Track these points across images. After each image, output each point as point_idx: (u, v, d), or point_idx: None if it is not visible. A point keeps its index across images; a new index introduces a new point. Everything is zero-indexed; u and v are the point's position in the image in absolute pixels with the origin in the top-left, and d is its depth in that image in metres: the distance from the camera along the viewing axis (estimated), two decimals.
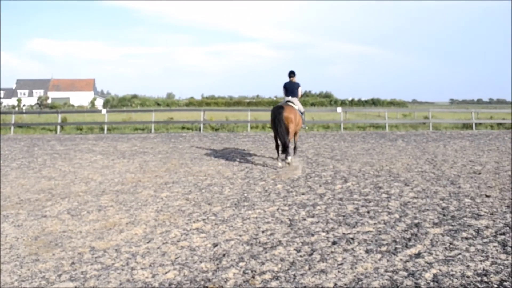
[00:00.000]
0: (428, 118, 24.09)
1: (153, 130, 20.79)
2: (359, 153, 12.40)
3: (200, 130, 20.89)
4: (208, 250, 4.58)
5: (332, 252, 4.48)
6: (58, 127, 21.07)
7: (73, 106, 70.03)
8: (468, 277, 3.88)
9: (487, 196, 6.97)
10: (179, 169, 9.50)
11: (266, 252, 4.48)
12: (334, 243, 4.75)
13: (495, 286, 3.70)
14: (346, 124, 22.79)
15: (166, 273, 3.99)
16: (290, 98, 10.28)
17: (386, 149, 13.47)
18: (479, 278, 3.85)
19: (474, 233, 5.08)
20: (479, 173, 9.02)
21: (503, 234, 5.06)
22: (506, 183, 8.00)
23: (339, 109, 23.44)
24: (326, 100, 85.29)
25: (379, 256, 4.36)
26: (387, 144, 15.06)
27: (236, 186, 7.71)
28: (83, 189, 7.53)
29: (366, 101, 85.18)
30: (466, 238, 4.90)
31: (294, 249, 4.57)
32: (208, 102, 78.72)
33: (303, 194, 7.09)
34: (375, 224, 5.42)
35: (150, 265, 4.17)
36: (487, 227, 5.33)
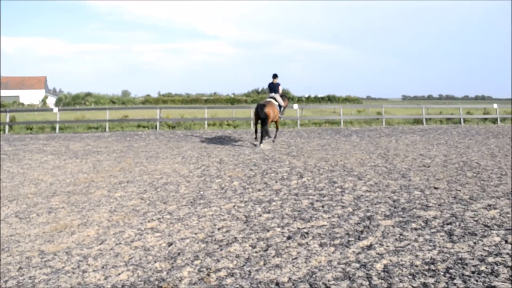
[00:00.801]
0: (381, 114, 24.75)
1: (107, 129, 20.29)
2: (314, 149, 12.59)
3: (156, 128, 20.57)
4: (162, 249, 4.52)
5: (287, 247, 4.53)
6: (7, 127, 20.20)
7: (22, 104, 67.25)
8: (416, 266, 4.02)
9: (435, 188, 7.25)
10: (134, 168, 9.32)
11: (221, 249, 4.48)
12: (289, 238, 4.80)
13: (442, 273, 3.85)
14: (303, 120, 23.06)
15: (119, 274, 3.91)
16: (273, 94, 13.86)
17: (341, 144, 13.75)
18: (426, 267, 4.00)
19: (423, 224, 5.27)
20: (429, 166, 9.37)
21: (450, 224, 5.28)
22: (453, 175, 8.35)
23: (295, 106, 23.66)
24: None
25: (332, 249, 4.45)
26: (342, 139, 15.37)
27: (192, 184, 7.65)
28: (32, 191, 7.26)
29: (322, 98, 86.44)
30: (415, 229, 5.08)
31: (250, 245, 4.59)
32: (165, 100, 77.51)
33: (259, 190, 7.13)
34: (329, 218, 5.53)
35: (102, 267, 4.08)
36: (435, 217, 5.54)
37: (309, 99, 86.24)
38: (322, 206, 6.08)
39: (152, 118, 22.01)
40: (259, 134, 13.44)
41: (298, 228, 5.13)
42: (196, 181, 7.94)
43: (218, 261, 4.18)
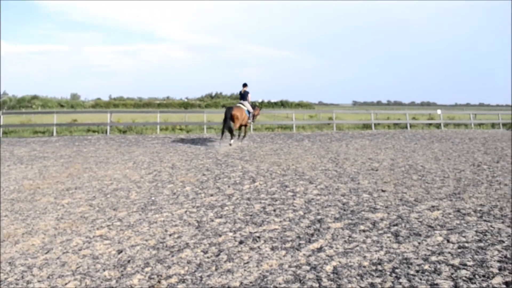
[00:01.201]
0: (332, 119, 25.32)
1: (55, 133, 19.57)
2: (267, 153, 12.70)
3: (106, 132, 20.06)
4: (112, 257, 4.42)
5: (238, 251, 4.55)
6: None
7: None
8: (364, 266, 4.15)
9: (383, 191, 7.50)
10: (83, 174, 9.05)
11: (173, 256, 4.44)
12: (241, 242, 4.83)
13: (388, 273, 3.99)
14: (256, 125, 23.21)
15: (65, 284, 3.79)
16: (241, 101, 15.40)
17: (293, 149, 13.95)
18: (374, 267, 4.13)
19: (370, 226, 5.44)
20: (377, 170, 9.68)
21: (396, 225, 5.48)
22: (400, 178, 8.67)
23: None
24: (237, 101, 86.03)
25: (283, 252, 4.51)
26: (294, 144, 15.59)
27: (144, 190, 7.53)
28: None
29: (275, 103, 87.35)
30: (364, 231, 5.24)
31: (201, 251, 4.57)
32: (116, 104, 75.70)
33: (211, 195, 7.11)
34: (280, 221, 5.60)
35: (48, 277, 3.94)
36: (382, 219, 5.73)
37: (262, 104, 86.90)
38: (274, 210, 6.15)
39: (103, 122, 21.45)
40: (231, 134, 14.81)
41: (250, 233, 5.16)
42: (148, 186, 7.82)
43: (169, 267, 4.14)
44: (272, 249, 4.62)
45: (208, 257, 4.39)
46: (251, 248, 4.64)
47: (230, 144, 14.65)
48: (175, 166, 10.19)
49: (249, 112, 15.35)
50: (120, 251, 4.57)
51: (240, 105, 15.10)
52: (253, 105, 16.24)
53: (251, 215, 5.90)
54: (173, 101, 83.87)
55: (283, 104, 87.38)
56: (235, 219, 5.71)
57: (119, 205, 6.48)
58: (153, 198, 6.94)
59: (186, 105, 75.60)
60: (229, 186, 7.81)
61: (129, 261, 4.30)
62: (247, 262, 4.24)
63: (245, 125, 15.63)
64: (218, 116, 28.18)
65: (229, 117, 14.29)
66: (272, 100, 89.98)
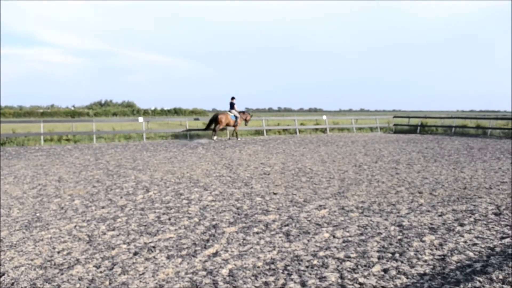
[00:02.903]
0: None
1: None
2: (161, 162, 12.53)
3: None
4: None
5: (133, 263, 4.46)
6: None
7: None
8: (258, 267, 4.32)
9: (274, 193, 7.83)
10: None
11: (62, 273, 4.21)
12: (135, 253, 4.73)
13: (281, 271, 4.20)
14: (148, 133, 22.73)
15: None
16: (230, 110, 21.60)
17: (188, 156, 13.92)
18: (267, 267, 4.32)
19: (263, 228, 5.66)
20: (269, 174, 10.06)
21: (287, 225, 5.77)
22: (290, 181, 9.11)
23: (140, 119, 23.24)
24: (129, 109, 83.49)
25: (180, 260, 4.52)
26: (188, 152, 15.56)
27: (27, 206, 7.00)
28: None
29: (168, 111, 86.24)
30: (257, 233, 5.44)
31: (94, 266, 4.40)
32: None
33: (103, 207, 6.85)
34: (176, 230, 5.59)
35: None
36: (274, 221, 6.00)
37: (155, 112, 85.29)
38: (169, 219, 6.12)
39: None
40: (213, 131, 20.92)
41: (145, 243, 5.08)
42: (31, 202, 7.29)
43: (59, 286, 3.92)
44: (168, 257, 4.60)
45: (101, 272, 4.24)
46: (146, 259, 4.57)
47: (214, 140, 20.70)
48: (62, 179, 9.62)
49: (236, 117, 21.43)
50: (2, 274, 4.22)
51: (227, 112, 21.38)
52: (248, 112, 23.05)
53: (145, 225, 5.80)
54: (59, 109, 78.69)
55: (176, 112, 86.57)
56: (129, 231, 5.57)
57: None
58: (38, 214, 6.49)
59: (73, 114, 71.41)
60: (121, 197, 7.58)
61: (12, 284, 3.99)
62: (143, 273, 4.18)
63: (235, 126, 21.75)
64: (108, 124, 27.10)
65: (214, 119, 20.87)
66: (165, 108, 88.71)
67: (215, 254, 4.69)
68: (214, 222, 5.92)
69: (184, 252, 4.75)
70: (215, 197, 7.52)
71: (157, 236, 5.35)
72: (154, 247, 4.94)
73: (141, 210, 6.63)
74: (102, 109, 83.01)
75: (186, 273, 4.17)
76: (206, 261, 4.49)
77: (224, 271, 4.20)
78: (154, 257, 4.63)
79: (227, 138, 22.58)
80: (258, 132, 25.57)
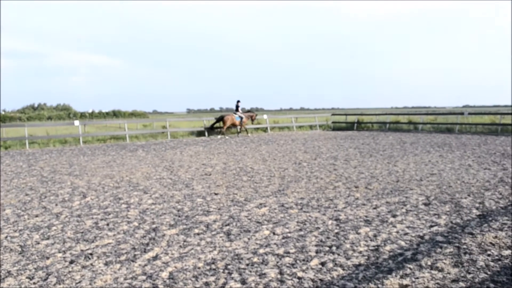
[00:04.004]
0: (166, 127, 25.35)
1: None
2: (99, 166, 12.16)
3: None
4: None
5: (69, 271, 4.32)
6: None
7: None
8: (199, 268, 4.32)
9: (215, 194, 7.84)
10: None
11: None
12: (71, 262, 4.58)
13: (221, 271, 4.23)
14: (86, 137, 21.97)
15: None
16: (235, 112, 24.51)
17: (127, 160, 13.61)
18: (208, 267, 4.34)
19: (204, 228, 5.66)
20: (210, 175, 10.05)
21: (228, 225, 5.81)
22: (231, 181, 9.16)
23: (76, 122, 22.41)
24: (64, 113, 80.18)
25: (118, 266, 4.43)
26: (127, 155, 15.21)
27: None
28: None
29: (107, 113, 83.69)
30: (198, 234, 5.44)
31: (27, 277, 4.22)
32: None
33: (36, 216, 6.56)
34: (114, 235, 5.46)
35: None
36: (215, 221, 6.01)
37: (93, 115, 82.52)
38: (107, 224, 5.97)
39: None
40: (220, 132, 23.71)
41: (82, 250, 4.93)
42: None
43: None
44: (106, 264, 4.49)
45: (34, 283, 4.07)
46: (83, 267, 4.44)
47: (220, 138, 23.24)
48: None
49: (240, 118, 24.56)
50: None
51: (232, 113, 24.57)
52: (252, 112, 26.07)
53: (82, 232, 5.63)
54: None
55: (115, 114, 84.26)
56: (64, 239, 5.38)
57: None
58: None
59: (3, 119, 67.54)
60: (56, 204, 7.29)
61: None
62: (79, 282, 4.06)
63: (241, 126, 24.86)
64: (42, 129, 25.88)
65: (220, 119, 23.87)
66: (104, 110, 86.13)
67: (155, 257, 4.64)
68: (154, 226, 5.84)
69: (123, 258, 4.66)
70: (155, 200, 7.42)
71: (94, 242, 5.20)
72: (91, 254, 4.81)
73: (78, 217, 6.42)
74: (36, 113, 79.18)
75: (125, 279, 4.10)
76: (145, 265, 4.43)
77: (164, 274, 4.17)
78: (91, 264, 4.50)
79: (223, 136, 24.37)
80: (200, 133, 25.43)
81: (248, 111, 26.15)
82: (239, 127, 25.10)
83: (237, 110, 24.73)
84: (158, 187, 8.66)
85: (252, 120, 25.80)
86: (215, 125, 24.60)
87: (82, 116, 78.26)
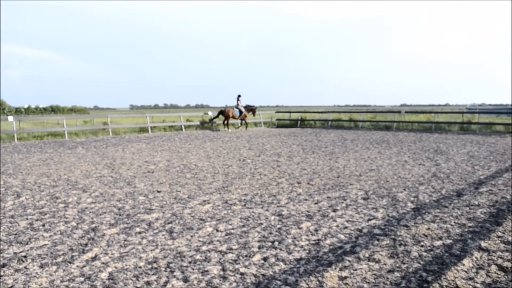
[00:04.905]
0: (107, 123, 24.60)
1: None
2: (35, 164, 11.62)
3: None
4: None
5: (1, 276, 4.10)
6: None
7: None
8: (140, 267, 4.24)
9: (158, 191, 7.72)
10: None
11: None
12: (3, 265, 4.36)
13: (163, 269, 4.18)
14: (21, 134, 20.90)
15: None
16: (236, 105, 26.20)
17: (65, 157, 13.09)
18: (150, 266, 4.27)
19: (146, 227, 5.56)
20: (153, 172, 9.88)
21: (170, 223, 5.74)
22: (175, 178, 9.05)
23: (10, 118, 21.25)
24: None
25: (54, 268, 4.26)
26: (66, 152, 14.63)
27: None
28: None
29: (45, 109, 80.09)
30: (139, 233, 5.33)
31: None
32: None
33: None
34: (50, 236, 5.24)
35: None
36: (157, 219, 5.92)
37: (29, 110, 78.69)
38: (43, 225, 5.72)
39: None
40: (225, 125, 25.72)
41: (15, 253, 4.70)
42: None
43: None
44: (41, 266, 4.31)
45: None
46: (16, 270, 4.23)
47: (225, 130, 25.36)
48: None
49: (240, 112, 26.11)
50: None
51: (233, 107, 26.08)
52: (252, 106, 27.31)
53: (15, 234, 5.35)
54: None
55: (53, 110, 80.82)
56: None
57: None
58: None
59: None
60: None
61: None
62: (11, 286, 3.87)
63: (241, 119, 26.60)
64: None
65: (222, 113, 25.62)
66: (41, 106, 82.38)
67: (94, 258, 4.51)
68: (93, 225, 5.66)
69: (59, 259, 4.48)
70: (95, 199, 7.19)
71: (29, 244, 4.97)
72: (25, 256, 4.59)
73: (11, 218, 6.10)
74: None
75: (62, 281, 3.95)
76: (84, 266, 4.29)
77: (104, 275, 4.06)
78: (25, 267, 4.30)
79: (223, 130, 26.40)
80: (143, 129, 24.91)
81: (248, 105, 27.35)
82: (239, 120, 27.02)
83: (237, 105, 26.25)
84: (98, 185, 8.40)
85: (253, 113, 27.38)
86: (214, 119, 26.96)
87: (17, 111, 74.40)
